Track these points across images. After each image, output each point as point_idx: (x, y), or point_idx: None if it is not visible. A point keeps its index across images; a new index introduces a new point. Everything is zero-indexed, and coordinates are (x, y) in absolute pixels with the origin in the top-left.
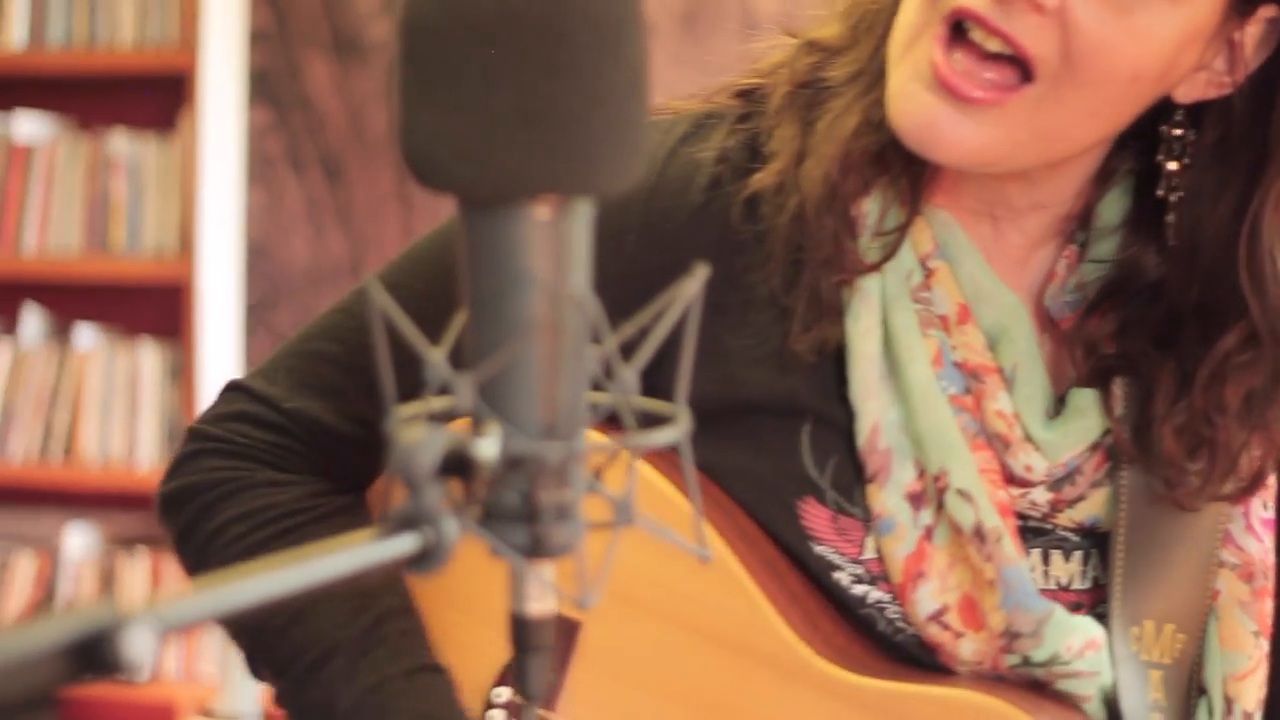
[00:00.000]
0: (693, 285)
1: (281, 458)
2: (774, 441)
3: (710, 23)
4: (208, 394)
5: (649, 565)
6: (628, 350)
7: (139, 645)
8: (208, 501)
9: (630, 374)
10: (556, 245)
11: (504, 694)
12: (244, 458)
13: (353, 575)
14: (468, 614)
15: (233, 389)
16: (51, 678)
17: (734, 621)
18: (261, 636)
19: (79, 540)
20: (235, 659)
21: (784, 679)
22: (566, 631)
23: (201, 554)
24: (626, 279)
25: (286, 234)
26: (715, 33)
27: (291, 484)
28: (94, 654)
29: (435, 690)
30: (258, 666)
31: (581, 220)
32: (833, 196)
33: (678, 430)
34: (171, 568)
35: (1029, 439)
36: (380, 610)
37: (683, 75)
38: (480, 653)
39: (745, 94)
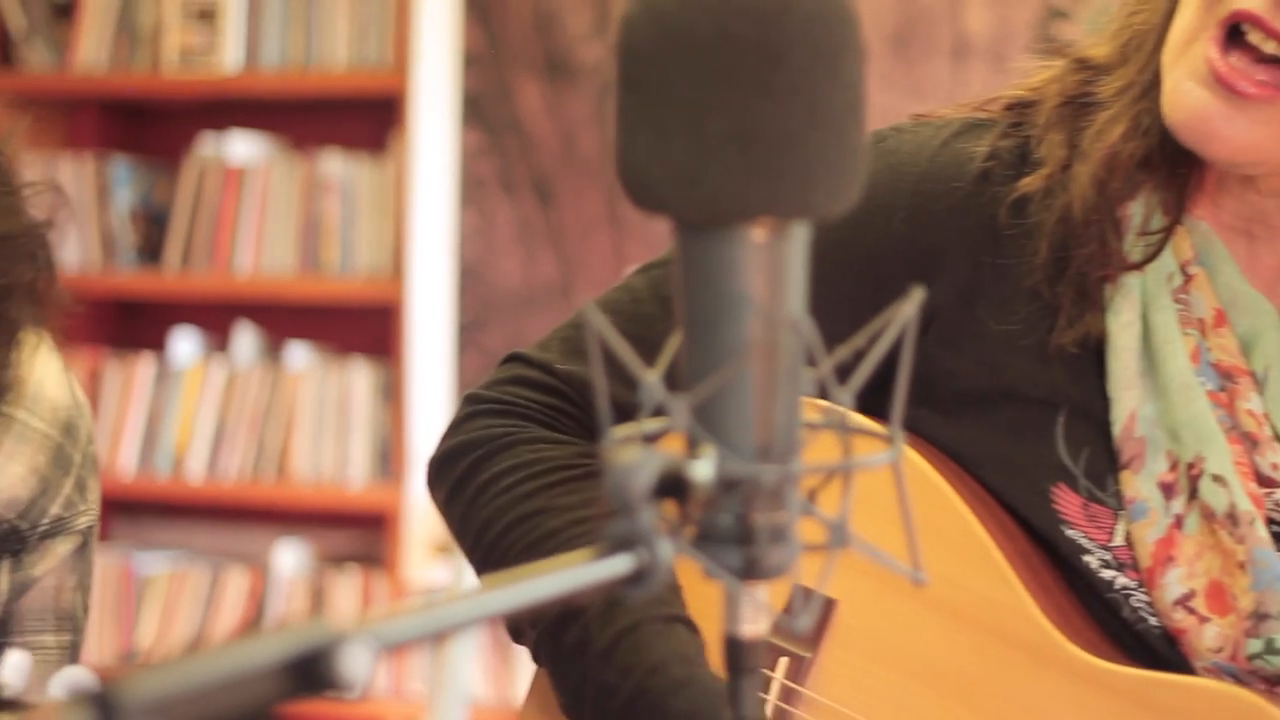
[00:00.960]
0: (909, 308)
1: (554, 419)
2: (1030, 429)
3: (921, 45)
4: (419, 413)
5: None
6: (844, 372)
7: (356, 663)
8: (478, 457)
9: (846, 396)
10: (772, 267)
11: None
12: (517, 416)
13: (570, 595)
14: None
15: (509, 359)
16: (269, 694)
17: (989, 605)
18: None
19: (290, 558)
20: (443, 678)
21: (1037, 664)
22: (823, 609)
23: (470, 507)
24: (891, 256)
25: (497, 255)
26: (926, 55)
27: (564, 443)
28: (312, 671)
29: (690, 639)
30: (515, 621)
31: (798, 242)
32: (1100, 197)
33: (893, 452)
34: (380, 586)
35: (1278, 439)
36: None
37: (893, 98)
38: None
39: (1014, 106)
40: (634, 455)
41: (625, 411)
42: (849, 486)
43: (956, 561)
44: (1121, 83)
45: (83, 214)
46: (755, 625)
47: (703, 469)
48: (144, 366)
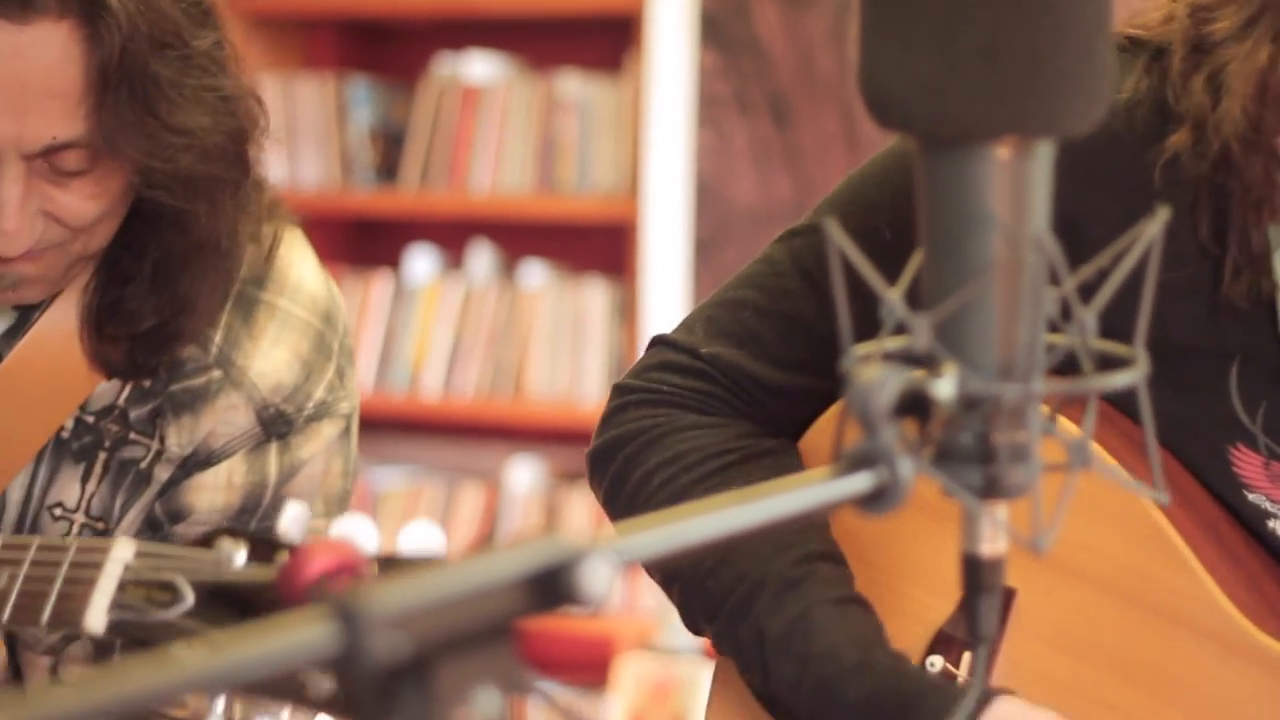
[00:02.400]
0: (1154, 226)
1: (704, 402)
2: (1201, 384)
3: None
4: (653, 332)
5: (1085, 531)
6: (1086, 292)
7: (598, 578)
8: (631, 452)
9: (1089, 316)
10: (1016, 186)
11: (937, 663)
12: (667, 405)
13: (807, 512)
14: (900, 578)
15: (655, 343)
16: (510, 609)
17: (1172, 593)
18: (691, 583)
19: (524, 474)
20: None
21: (1225, 653)
22: (1002, 598)
23: (630, 503)
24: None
25: (733, 175)
26: None
27: (716, 427)
28: (553, 586)
29: (864, 620)
30: (692, 617)
31: (1042, 161)
32: (1256, 131)
33: (1136, 373)
34: None
35: None
36: (807, 551)
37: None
38: (914, 618)
39: (1134, 40)
40: (876, 373)
41: (765, 388)
42: (1092, 407)
43: (1136, 548)
44: (1250, 10)
45: (321, 133)
46: (994, 544)
47: (944, 387)
48: (381, 284)
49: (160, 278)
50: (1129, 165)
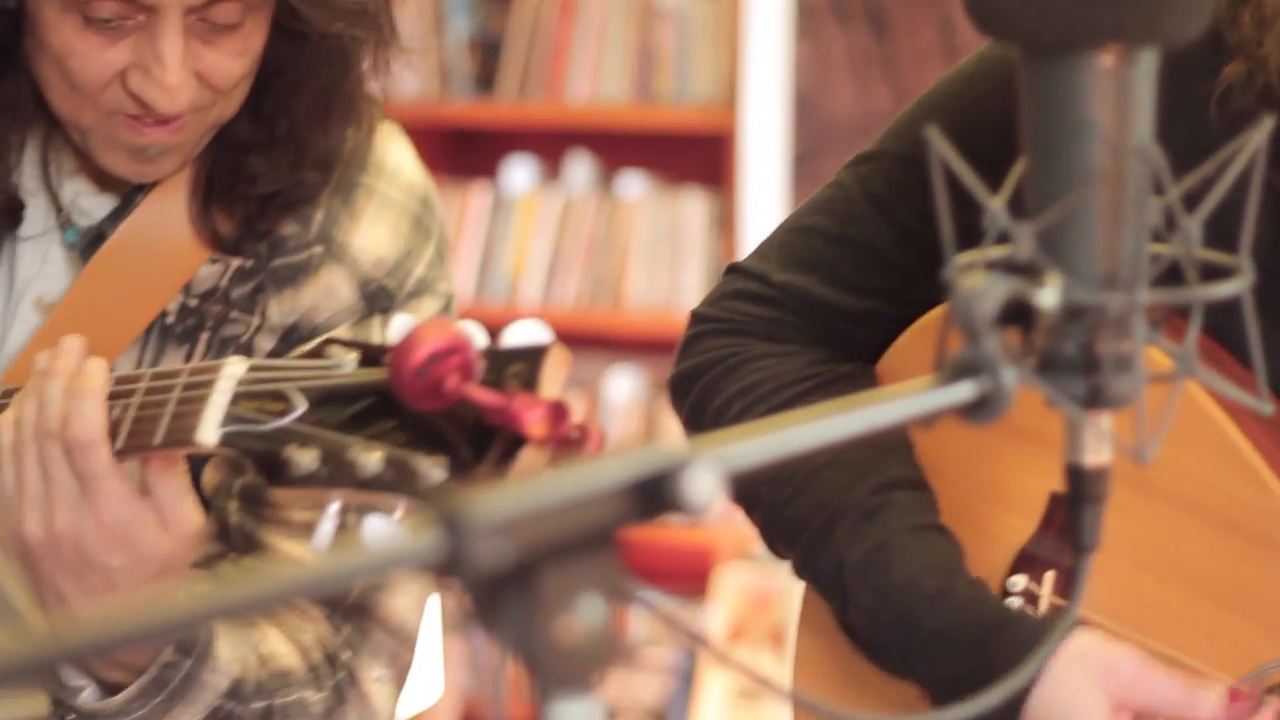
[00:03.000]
0: (1257, 136)
1: (777, 330)
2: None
3: None
4: (750, 243)
5: (1165, 450)
6: (1190, 201)
7: (702, 486)
8: (708, 382)
9: (1194, 225)
10: (1120, 94)
11: (1020, 583)
12: (741, 334)
13: (906, 422)
14: (981, 498)
15: (730, 271)
16: (614, 516)
17: (1252, 511)
18: (771, 510)
19: (623, 384)
20: None
21: None
22: None
23: (708, 431)
24: None
25: (831, 86)
26: None
27: (790, 355)
28: (657, 493)
29: (943, 547)
30: (773, 542)
31: (1146, 69)
32: None
33: (1241, 282)
34: None
35: None
36: (887, 478)
37: None
38: (996, 538)
39: None
40: (980, 281)
41: (838, 314)
42: (1196, 316)
43: (1216, 467)
44: None
45: (419, 44)
46: (1098, 455)
47: (1048, 296)
48: (479, 195)
49: (282, 143)
50: (1189, 95)
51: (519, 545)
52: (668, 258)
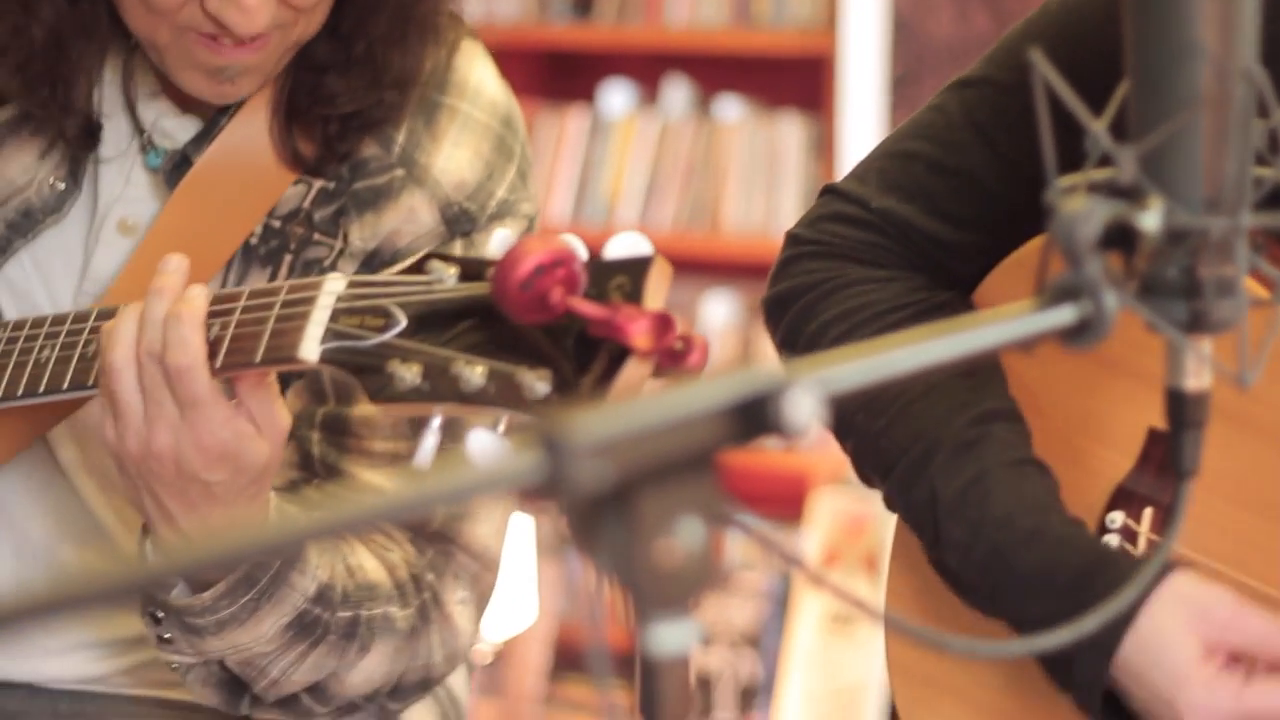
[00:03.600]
0: None
1: (875, 255)
2: None
3: None
4: (848, 168)
5: (1265, 385)
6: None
7: (801, 408)
8: (804, 305)
9: None
10: (1225, 16)
11: (1118, 519)
12: (838, 258)
13: (1005, 347)
14: (1078, 433)
15: (826, 192)
16: (714, 438)
17: None
18: (866, 438)
19: (719, 308)
20: None
21: None
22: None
23: (803, 356)
24: None
25: (930, 9)
26: None
27: (888, 281)
28: (757, 415)
29: (1040, 483)
30: (865, 472)
31: None
32: None
33: None
34: None
35: None
36: (984, 409)
37: None
38: (1093, 474)
39: None
40: (1082, 204)
41: (936, 244)
42: None
43: None
44: None
45: None
46: (1199, 379)
47: (1150, 219)
48: (576, 118)
49: (361, 63)
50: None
51: (618, 467)
52: (765, 182)
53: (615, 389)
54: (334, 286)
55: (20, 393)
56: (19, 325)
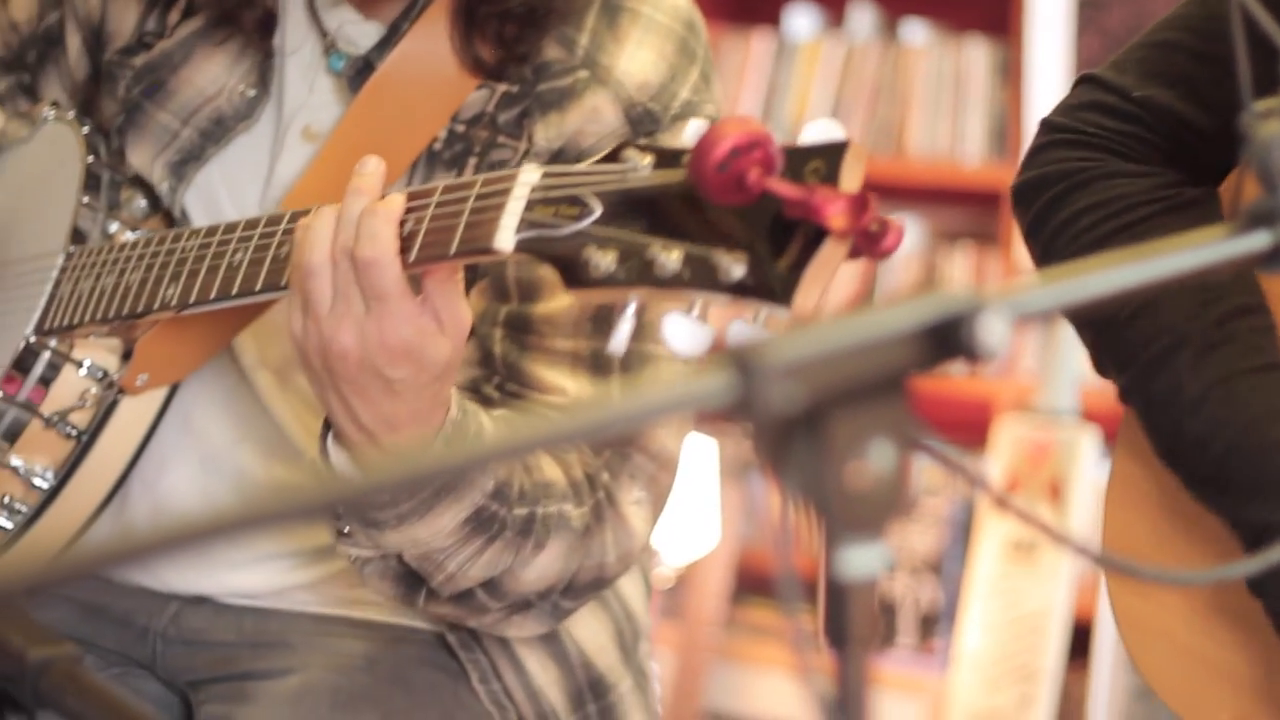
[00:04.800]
0: None
1: (1131, 148)
2: None
3: None
4: (1036, 93)
5: None
6: None
7: (994, 331)
8: (1057, 193)
9: None
10: None
11: None
12: (1093, 148)
13: (1199, 271)
14: None
15: (1084, 81)
16: (905, 360)
17: None
18: (1107, 330)
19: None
20: (1056, 356)
21: None
22: None
23: (1049, 245)
24: None
25: None
26: None
27: (1142, 175)
28: (948, 338)
29: None
30: (1103, 362)
31: None
32: None
33: None
34: (993, 264)
35: None
36: (1230, 306)
37: None
38: None
39: None
40: (1277, 128)
41: (1196, 133)
42: None
43: None
44: None
45: None
46: None
47: None
48: (761, 41)
49: None
50: None
51: (809, 389)
52: (950, 106)
53: (810, 271)
54: (529, 177)
55: (213, 295)
56: (210, 231)
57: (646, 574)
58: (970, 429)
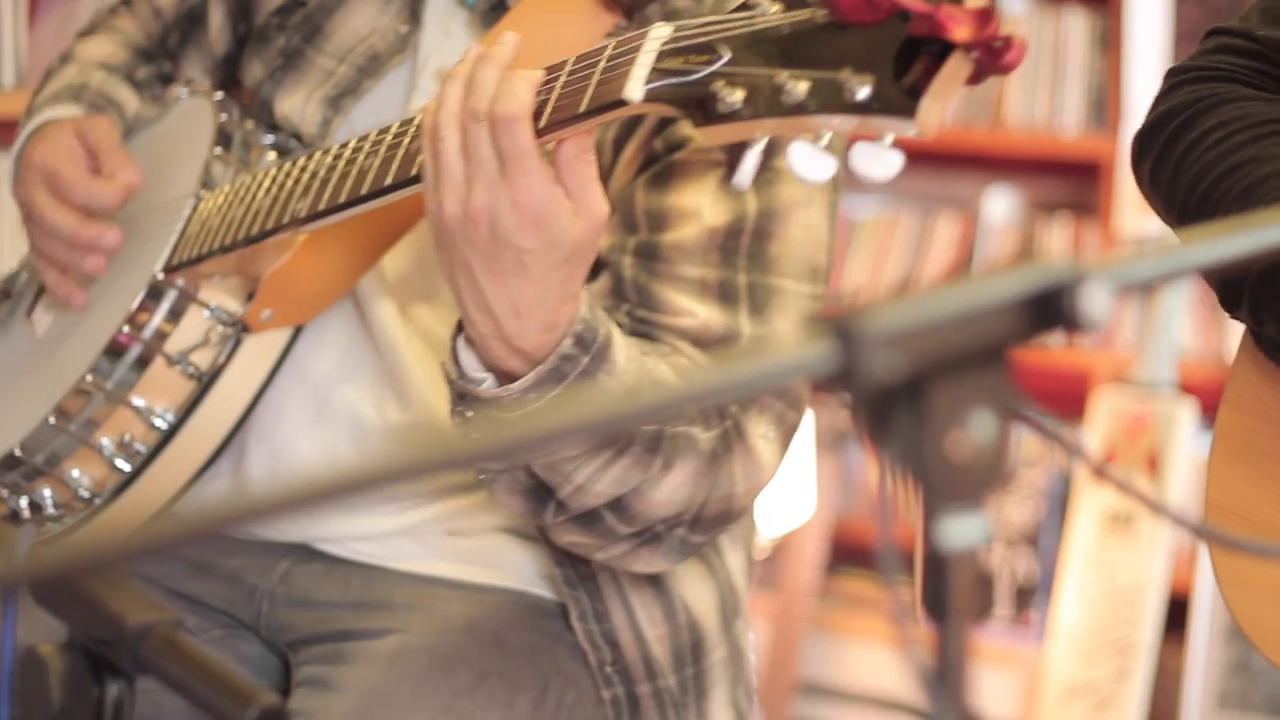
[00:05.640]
0: None
1: (1259, 80)
2: None
3: None
4: (1135, 63)
5: None
6: None
7: (1097, 301)
8: (1186, 119)
9: None
10: None
11: None
12: (1221, 79)
13: None
14: None
15: (1210, 34)
16: (1007, 331)
17: None
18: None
19: (1001, 204)
20: (1154, 328)
21: None
22: None
23: (1179, 168)
24: None
25: None
26: None
27: (1269, 101)
28: (1051, 308)
29: None
30: (1227, 299)
31: None
32: None
33: None
34: (1091, 235)
35: None
36: None
37: None
38: None
39: None
40: None
41: None
42: None
43: None
44: None
45: None
46: None
47: None
48: None
49: None
50: None
51: (911, 358)
52: (1049, 76)
53: (935, 85)
54: (659, 32)
55: (344, 199)
56: (341, 146)
57: (749, 550)
58: (1068, 400)
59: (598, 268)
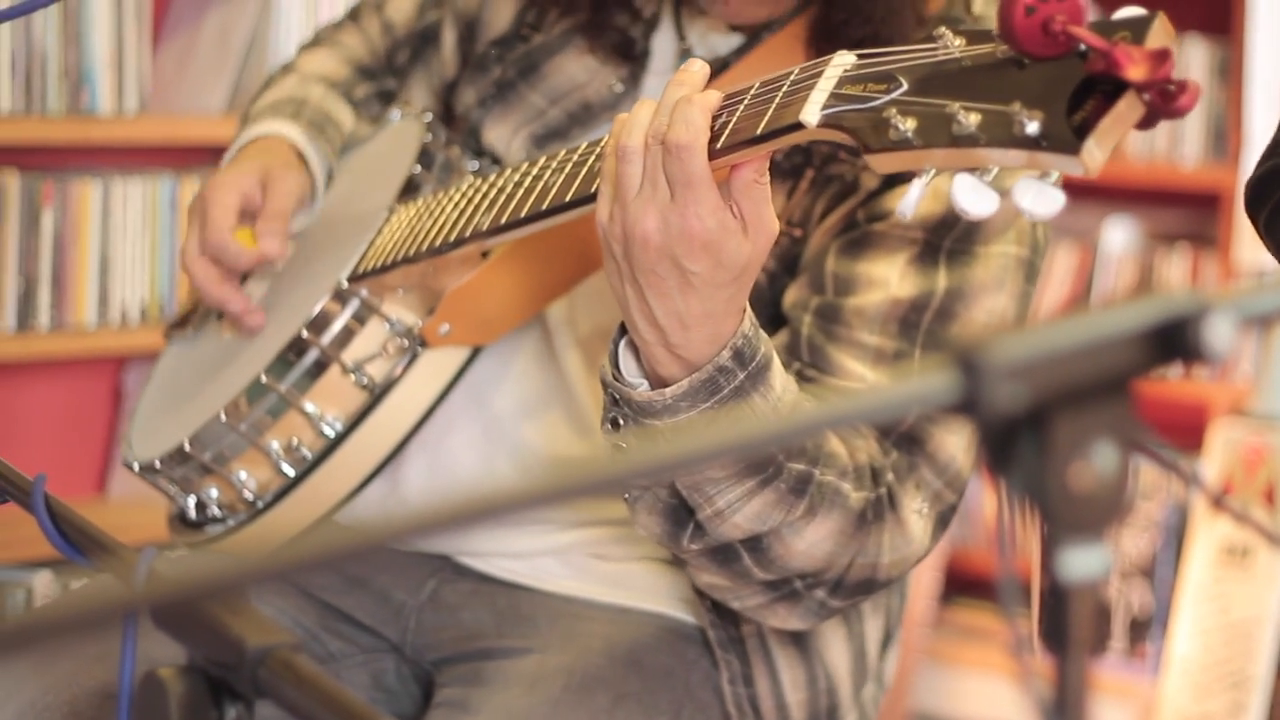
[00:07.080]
0: None
1: None
2: None
3: None
4: (1255, 93)
5: None
6: None
7: (1221, 333)
8: None
9: None
10: None
11: None
12: None
13: None
14: None
15: None
16: (1130, 362)
17: None
18: None
19: (1119, 235)
20: (1272, 360)
21: None
22: None
23: None
24: None
25: None
26: None
27: None
28: (1174, 340)
29: None
30: None
31: None
32: None
33: None
34: (1210, 266)
35: None
36: None
37: None
38: None
39: None
40: None
41: None
42: None
43: None
44: None
45: None
46: None
47: None
48: None
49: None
50: None
51: (1033, 389)
52: None
53: (1104, 124)
54: (842, 60)
55: (525, 214)
56: (531, 163)
57: (890, 619)
58: (1185, 433)
59: (779, 322)
